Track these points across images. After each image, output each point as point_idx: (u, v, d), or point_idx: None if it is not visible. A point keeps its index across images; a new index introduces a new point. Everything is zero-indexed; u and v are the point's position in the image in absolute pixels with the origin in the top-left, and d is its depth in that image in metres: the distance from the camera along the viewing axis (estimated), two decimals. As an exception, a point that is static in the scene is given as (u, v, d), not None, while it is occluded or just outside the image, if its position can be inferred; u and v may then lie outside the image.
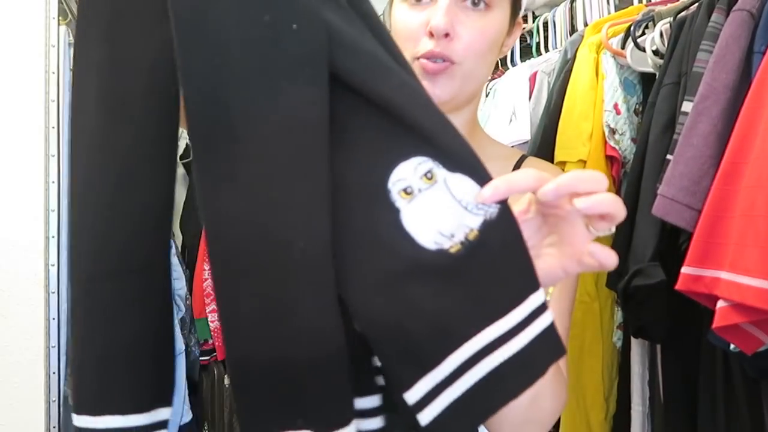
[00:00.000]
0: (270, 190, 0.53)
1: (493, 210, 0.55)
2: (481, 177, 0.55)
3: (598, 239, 0.59)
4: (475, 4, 0.84)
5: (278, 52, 0.53)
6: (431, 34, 0.83)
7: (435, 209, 0.54)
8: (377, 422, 0.63)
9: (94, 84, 0.56)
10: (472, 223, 0.54)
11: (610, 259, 0.56)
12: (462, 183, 0.55)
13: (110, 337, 0.56)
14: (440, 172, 0.55)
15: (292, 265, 0.53)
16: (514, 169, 0.94)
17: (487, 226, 0.55)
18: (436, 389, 0.53)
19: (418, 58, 0.85)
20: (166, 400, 0.58)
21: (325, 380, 0.55)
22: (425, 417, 0.53)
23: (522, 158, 0.96)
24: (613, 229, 0.57)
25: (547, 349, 0.55)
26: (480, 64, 0.87)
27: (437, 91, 0.85)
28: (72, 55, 0.56)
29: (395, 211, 0.54)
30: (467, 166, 0.56)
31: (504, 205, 0.55)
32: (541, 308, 0.55)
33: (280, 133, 0.53)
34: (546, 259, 0.59)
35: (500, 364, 0.53)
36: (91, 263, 0.56)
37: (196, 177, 0.53)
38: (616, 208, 0.54)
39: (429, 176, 0.55)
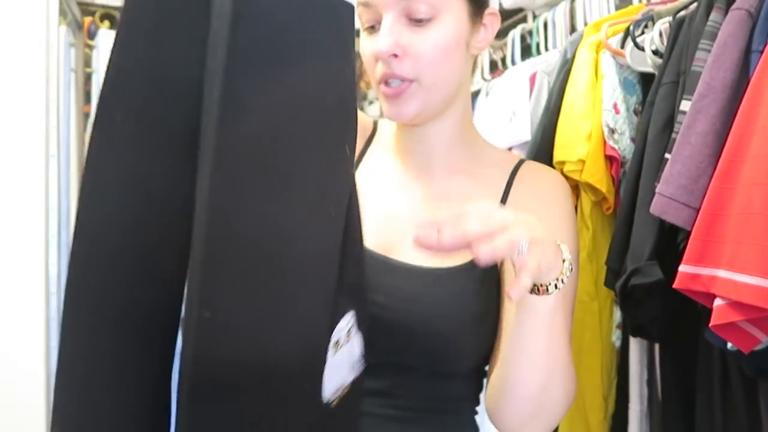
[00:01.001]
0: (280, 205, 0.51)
1: (360, 369, 0.61)
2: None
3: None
4: (417, 19, 0.83)
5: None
6: (380, 58, 0.84)
7: (341, 364, 0.58)
8: None
9: (130, 114, 0.51)
10: (350, 378, 0.60)
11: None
12: (359, 340, 0.60)
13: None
14: (354, 329, 0.59)
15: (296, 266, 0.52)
16: (511, 176, 0.93)
17: (353, 383, 0.61)
18: None
19: (378, 83, 0.86)
20: None
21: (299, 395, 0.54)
22: None
23: (520, 163, 0.96)
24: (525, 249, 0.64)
25: None
26: (440, 73, 0.86)
27: (403, 110, 0.86)
28: (107, 65, 0.49)
29: (324, 363, 0.56)
30: (366, 322, 0.61)
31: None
32: None
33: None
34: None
35: None
36: (96, 310, 0.52)
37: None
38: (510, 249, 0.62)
39: (349, 333, 0.58)
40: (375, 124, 1.02)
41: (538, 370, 0.75)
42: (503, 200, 0.91)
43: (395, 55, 0.82)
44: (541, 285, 0.69)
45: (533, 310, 0.71)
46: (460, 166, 0.94)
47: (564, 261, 0.71)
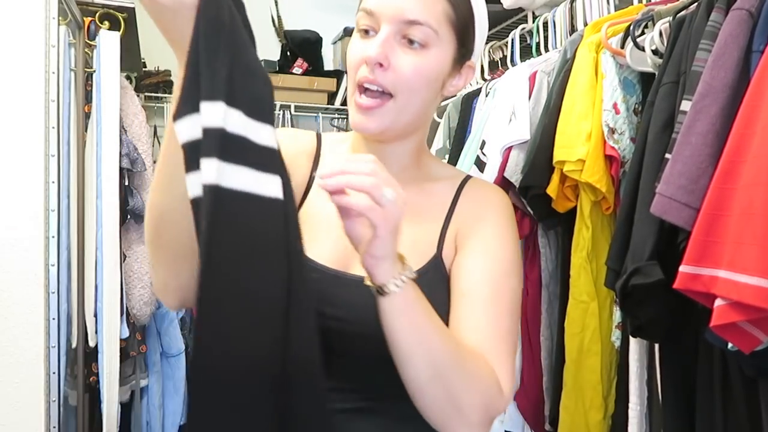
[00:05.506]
0: None
1: None
2: None
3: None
4: (410, 41, 0.88)
5: None
6: (366, 63, 0.88)
7: None
8: None
9: None
10: None
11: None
12: None
13: None
14: None
15: None
16: (457, 191, 0.98)
17: None
18: None
19: (354, 89, 0.90)
20: None
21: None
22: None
23: (466, 179, 1.01)
24: None
25: None
26: (413, 99, 0.91)
27: (371, 125, 0.90)
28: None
29: None
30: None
31: None
32: None
33: None
34: None
35: None
36: None
37: None
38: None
39: None
40: (318, 138, 1.06)
41: (413, 365, 0.79)
42: (450, 211, 0.96)
43: (381, 65, 0.88)
44: (380, 286, 0.76)
45: (383, 311, 0.78)
46: (412, 182, 1.00)
47: (403, 265, 0.77)
